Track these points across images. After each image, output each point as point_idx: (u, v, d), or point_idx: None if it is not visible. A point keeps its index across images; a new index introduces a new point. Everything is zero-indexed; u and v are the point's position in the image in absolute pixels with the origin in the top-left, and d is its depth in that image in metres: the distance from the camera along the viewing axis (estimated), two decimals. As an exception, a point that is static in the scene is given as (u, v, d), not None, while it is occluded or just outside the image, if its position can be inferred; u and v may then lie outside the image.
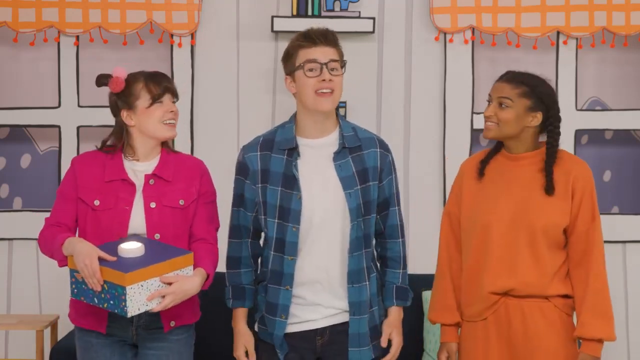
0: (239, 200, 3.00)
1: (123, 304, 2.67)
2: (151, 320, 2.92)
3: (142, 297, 2.70)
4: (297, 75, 2.89)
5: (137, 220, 2.89)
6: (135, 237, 2.84)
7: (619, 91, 4.37)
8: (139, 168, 2.95)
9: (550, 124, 2.92)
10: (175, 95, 2.98)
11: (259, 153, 2.95)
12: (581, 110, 4.29)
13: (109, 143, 2.98)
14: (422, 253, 4.22)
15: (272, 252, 2.93)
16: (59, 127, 4.27)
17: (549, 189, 2.87)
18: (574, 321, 2.93)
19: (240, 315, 3.03)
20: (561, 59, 4.26)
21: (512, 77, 2.93)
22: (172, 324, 2.94)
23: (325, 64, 2.86)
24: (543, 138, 2.96)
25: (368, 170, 2.93)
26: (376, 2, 4.26)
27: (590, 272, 2.86)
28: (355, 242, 2.90)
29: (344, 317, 2.94)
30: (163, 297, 2.75)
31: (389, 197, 3.00)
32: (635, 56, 4.33)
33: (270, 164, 2.93)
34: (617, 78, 4.36)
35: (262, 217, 2.95)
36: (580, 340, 2.88)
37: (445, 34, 4.23)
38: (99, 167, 2.94)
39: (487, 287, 2.90)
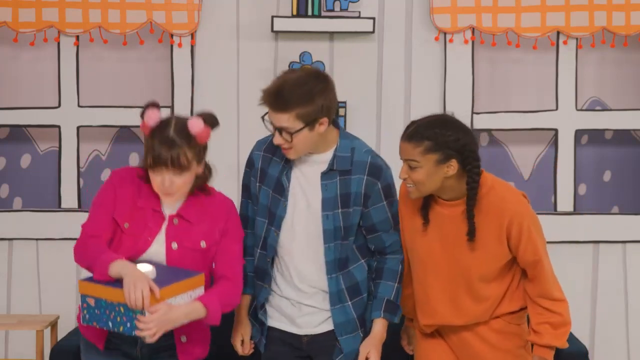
0: (245, 191, 3.09)
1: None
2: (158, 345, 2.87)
3: None
4: None
5: (157, 254, 2.85)
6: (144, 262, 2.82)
7: (619, 91, 4.36)
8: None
9: (469, 164, 2.78)
10: (176, 166, 2.75)
11: (262, 153, 3.01)
12: (581, 110, 4.28)
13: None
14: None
15: (258, 250, 3.01)
16: (59, 127, 4.26)
17: (471, 234, 2.79)
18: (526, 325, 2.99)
19: (242, 303, 3.07)
20: (561, 59, 4.26)
21: (412, 134, 2.78)
22: (183, 339, 2.89)
23: (278, 129, 2.84)
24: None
25: (350, 195, 2.92)
26: (376, 2, 4.26)
27: (542, 292, 2.86)
28: (331, 264, 2.92)
29: (327, 325, 2.98)
30: None
31: (379, 224, 2.96)
32: (635, 56, 4.33)
33: (269, 166, 2.98)
34: (617, 78, 4.36)
35: (255, 214, 3.03)
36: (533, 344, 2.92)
37: (445, 34, 4.23)
38: (134, 187, 2.88)
39: (435, 320, 2.94)
